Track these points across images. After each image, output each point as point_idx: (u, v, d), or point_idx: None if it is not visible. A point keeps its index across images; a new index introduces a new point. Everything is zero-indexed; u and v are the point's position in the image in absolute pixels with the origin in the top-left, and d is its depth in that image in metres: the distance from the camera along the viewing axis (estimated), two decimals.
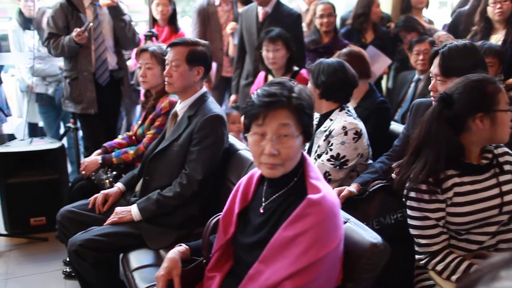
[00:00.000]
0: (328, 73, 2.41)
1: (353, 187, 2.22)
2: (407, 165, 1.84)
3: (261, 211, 1.57)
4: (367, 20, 4.22)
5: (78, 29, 3.35)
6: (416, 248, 1.85)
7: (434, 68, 2.15)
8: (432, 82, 2.17)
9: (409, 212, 1.83)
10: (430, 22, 4.66)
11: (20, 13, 4.50)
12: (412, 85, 3.78)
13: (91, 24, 3.43)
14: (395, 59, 4.40)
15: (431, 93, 2.18)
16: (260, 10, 3.75)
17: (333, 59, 2.49)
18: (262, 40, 3.34)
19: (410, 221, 1.84)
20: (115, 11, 3.55)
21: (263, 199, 1.59)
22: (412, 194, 1.79)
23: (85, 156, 3.76)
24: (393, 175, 2.11)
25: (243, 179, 1.70)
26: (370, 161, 2.49)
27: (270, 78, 3.43)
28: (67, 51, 3.47)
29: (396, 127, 2.91)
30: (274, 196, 1.56)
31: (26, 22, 4.47)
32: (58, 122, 4.55)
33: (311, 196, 1.44)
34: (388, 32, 4.31)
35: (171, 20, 4.16)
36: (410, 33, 4.10)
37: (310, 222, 1.41)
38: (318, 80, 2.43)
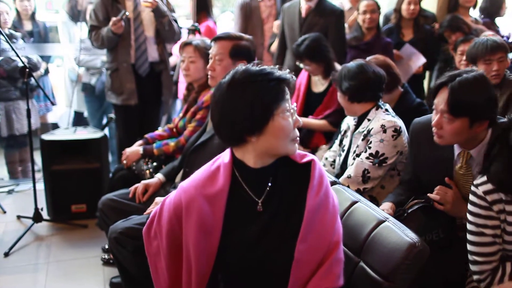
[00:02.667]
0: (350, 77, 2.43)
1: (388, 206, 2.14)
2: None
3: (260, 208, 1.50)
4: (401, 17, 4.17)
5: (114, 18, 3.41)
6: (474, 268, 1.77)
7: (441, 104, 1.91)
8: (437, 118, 1.94)
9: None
10: (477, 21, 4.55)
11: (71, 5, 4.62)
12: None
13: (127, 13, 3.48)
14: (438, 59, 4.32)
15: (434, 129, 1.97)
16: (303, 6, 3.73)
17: (352, 63, 2.49)
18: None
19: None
20: (156, 13, 3.60)
21: (255, 197, 1.50)
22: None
23: (119, 147, 3.85)
24: (437, 205, 2.05)
25: (173, 207, 1.51)
26: None
27: (313, 77, 3.41)
28: (107, 42, 3.55)
29: None
30: (269, 183, 1.50)
31: (75, 14, 4.59)
32: (100, 112, 4.66)
33: (308, 158, 1.53)
34: (431, 30, 4.23)
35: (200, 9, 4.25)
36: (455, 33, 4.01)
37: (325, 181, 1.53)
38: (343, 87, 2.46)
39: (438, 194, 2.05)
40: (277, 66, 1.49)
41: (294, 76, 1.50)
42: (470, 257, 1.77)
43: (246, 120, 1.40)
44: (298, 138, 1.48)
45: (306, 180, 1.49)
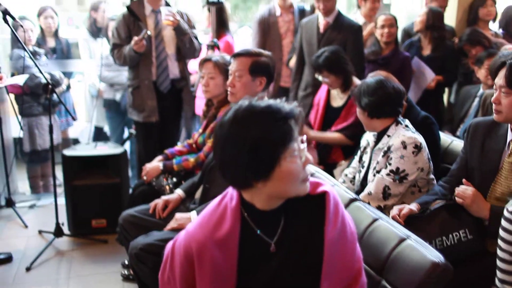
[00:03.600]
0: (369, 93, 2.43)
1: (413, 206, 2.19)
2: None
3: (273, 249, 1.42)
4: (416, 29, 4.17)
5: (136, 38, 3.47)
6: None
7: (500, 80, 2.06)
8: (496, 94, 2.08)
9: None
10: (497, 35, 4.52)
11: (91, 22, 4.71)
12: (476, 100, 3.67)
13: (148, 32, 3.52)
14: (458, 74, 4.30)
15: (494, 106, 2.10)
16: (321, 21, 3.75)
17: (371, 79, 2.49)
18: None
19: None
20: (177, 31, 3.64)
21: (267, 237, 1.42)
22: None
23: (138, 163, 3.88)
24: (457, 199, 2.07)
25: (184, 254, 1.40)
26: (432, 176, 2.45)
27: (332, 92, 3.42)
28: (128, 60, 3.60)
29: (458, 144, 2.82)
30: (282, 222, 1.42)
31: (97, 31, 4.68)
32: (122, 127, 4.71)
33: (322, 189, 1.44)
34: (451, 45, 4.20)
35: (222, 27, 4.27)
36: (474, 47, 3.99)
37: (341, 209, 1.45)
38: (362, 103, 2.46)
39: (458, 189, 2.12)
40: (284, 99, 1.37)
41: (302, 110, 1.36)
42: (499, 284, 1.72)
43: (250, 165, 1.27)
44: (309, 176, 1.37)
45: (320, 213, 1.41)
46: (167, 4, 3.74)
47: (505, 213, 1.69)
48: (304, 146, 1.33)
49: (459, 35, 4.34)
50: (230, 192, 1.43)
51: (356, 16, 4.50)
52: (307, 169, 1.35)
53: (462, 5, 4.62)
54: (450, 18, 4.61)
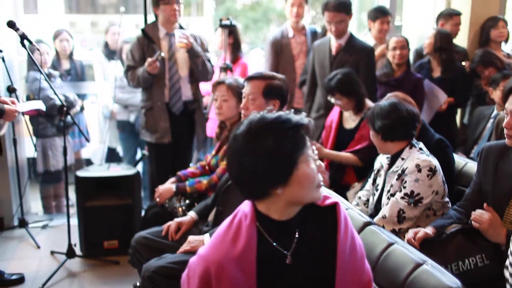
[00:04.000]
0: (383, 116, 2.42)
1: (429, 229, 2.17)
2: None
3: (289, 261, 1.44)
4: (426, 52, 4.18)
5: (150, 59, 3.51)
6: None
7: (510, 105, 2.05)
8: (507, 119, 2.07)
9: None
10: (509, 56, 4.52)
11: (106, 45, 4.78)
12: (491, 121, 3.65)
13: (162, 54, 3.57)
14: (471, 95, 4.29)
15: (505, 131, 2.09)
16: (334, 44, 3.76)
17: (385, 102, 2.49)
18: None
19: None
20: (190, 53, 3.68)
21: (283, 249, 1.44)
22: None
23: (150, 184, 3.89)
24: (474, 224, 2.06)
25: (202, 277, 1.39)
26: (446, 199, 2.43)
27: (345, 114, 3.42)
28: (142, 82, 3.64)
29: (472, 166, 2.80)
30: (296, 234, 1.45)
31: (111, 53, 4.74)
32: (135, 148, 4.74)
33: (331, 200, 1.48)
34: (461, 67, 4.20)
35: (236, 49, 4.34)
36: (487, 68, 3.98)
37: (349, 222, 1.49)
38: (375, 126, 2.45)
39: (475, 213, 2.09)
40: (292, 110, 1.43)
41: (312, 120, 1.41)
42: None
43: (269, 173, 1.32)
44: (322, 183, 1.42)
45: (332, 224, 1.45)
46: (181, 27, 3.79)
47: None
48: (316, 153, 1.40)
49: (471, 57, 4.35)
50: (242, 210, 1.45)
51: (367, 37, 4.53)
52: (320, 176, 1.40)
53: (473, 27, 4.64)
54: (462, 39, 4.62)
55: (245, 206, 1.46)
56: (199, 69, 3.71)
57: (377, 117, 2.43)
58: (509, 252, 1.69)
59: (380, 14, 4.33)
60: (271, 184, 1.34)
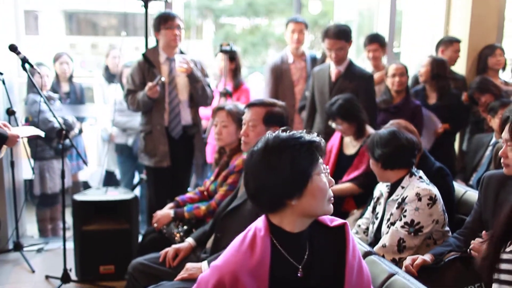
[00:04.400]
0: (382, 144, 2.43)
1: (427, 256, 2.16)
2: (495, 251, 1.71)
3: (300, 274, 1.51)
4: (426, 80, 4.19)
5: (150, 83, 3.52)
6: None
7: (505, 134, 2.06)
8: (503, 148, 2.09)
9: None
10: (507, 83, 4.55)
11: (106, 68, 4.81)
12: (489, 148, 3.65)
13: (162, 79, 3.59)
14: (469, 121, 4.31)
15: (502, 160, 2.11)
16: (333, 70, 3.79)
17: (384, 130, 2.51)
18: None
19: None
20: (190, 78, 3.70)
21: (295, 263, 1.51)
22: None
23: (148, 208, 3.86)
24: (473, 253, 2.04)
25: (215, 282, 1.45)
26: (447, 228, 2.42)
27: (345, 139, 3.43)
28: (142, 106, 3.65)
29: (472, 195, 2.79)
30: (308, 249, 1.52)
31: (111, 77, 4.76)
32: (132, 171, 4.72)
33: (339, 221, 1.57)
34: (457, 94, 4.22)
35: (236, 75, 4.36)
36: (484, 95, 3.98)
37: (356, 244, 1.58)
38: (375, 154, 2.46)
39: (474, 242, 2.07)
40: (305, 130, 1.53)
41: (323, 139, 1.52)
42: None
43: (285, 185, 1.42)
44: (332, 198, 1.50)
45: (341, 244, 1.54)
46: (181, 52, 3.81)
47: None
48: (327, 168, 1.50)
49: (469, 83, 4.39)
50: (255, 225, 1.53)
51: (365, 63, 4.57)
52: (331, 191, 1.50)
53: (471, 54, 4.69)
54: (461, 67, 4.67)
55: (259, 222, 1.53)
56: (198, 93, 3.73)
57: (377, 145, 2.44)
58: None
59: (371, 41, 4.39)
60: (286, 196, 1.44)
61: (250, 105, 2.56)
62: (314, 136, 1.50)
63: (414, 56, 5.10)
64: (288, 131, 1.50)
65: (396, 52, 5.34)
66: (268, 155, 1.45)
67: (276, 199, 1.46)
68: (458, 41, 4.49)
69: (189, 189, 3.90)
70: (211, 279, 1.45)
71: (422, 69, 4.16)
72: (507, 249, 1.64)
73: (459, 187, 2.95)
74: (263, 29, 13.51)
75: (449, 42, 4.49)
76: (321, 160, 1.48)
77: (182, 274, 2.38)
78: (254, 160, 1.47)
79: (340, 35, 3.64)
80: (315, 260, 1.51)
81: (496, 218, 1.88)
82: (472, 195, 2.78)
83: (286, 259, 1.49)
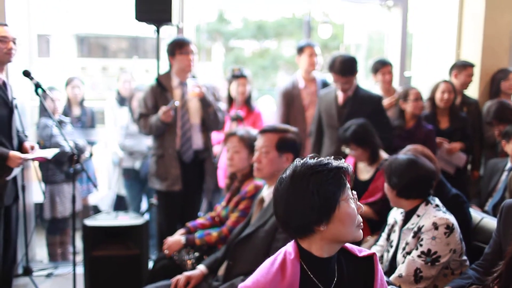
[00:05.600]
0: (400, 174, 2.38)
1: None
2: (506, 277, 1.68)
3: None
4: (434, 105, 4.16)
5: (164, 108, 3.52)
6: None
7: None
8: None
9: None
10: None
11: (118, 92, 4.84)
12: (505, 174, 3.61)
13: (176, 103, 3.60)
14: (484, 146, 4.27)
15: None
16: (340, 94, 3.79)
17: (403, 157, 2.44)
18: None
19: None
20: (202, 102, 3.71)
21: (323, 287, 1.51)
22: None
23: (159, 233, 3.83)
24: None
25: None
26: (464, 257, 2.36)
27: (359, 165, 3.40)
28: (155, 130, 3.65)
29: (489, 222, 2.74)
30: (336, 274, 1.52)
31: (122, 100, 4.79)
32: (140, 195, 4.71)
33: (367, 252, 1.57)
34: (466, 116, 4.19)
35: (248, 99, 4.37)
36: (502, 124, 3.92)
37: (384, 276, 1.60)
38: (391, 182, 2.41)
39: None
40: (313, 154, 1.54)
41: (350, 165, 1.51)
42: None
43: (314, 211, 1.42)
44: (362, 224, 1.49)
45: (369, 273, 1.55)
46: (193, 77, 3.82)
47: None
48: (355, 194, 1.50)
49: (481, 107, 4.36)
50: (285, 249, 1.53)
51: (374, 88, 4.56)
52: (360, 216, 1.49)
53: (484, 78, 4.68)
54: (473, 90, 4.65)
55: (289, 246, 1.54)
56: (210, 118, 3.73)
57: (394, 173, 2.39)
58: None
59: (380, 66, 4.40)
60: (315, 221, 1.44)
61: (263, 132, 2.54)
62: (341, 162, 1.50)
63: (426, 80, 5.07)
64: (316, 158, 1.51)
65: (407, 76, 5.32)
66: (296, 181, 1.45)
67: (304, 225, 1.46)
68: (471, 66, 4.46)
69: (199, 214, 3.86)
70: None
71: (445, 95, 4.09)
72: None
73: (475, 214, 2.90)
74: (272, 51, 13.60)
75: (463, 67, 4.45)
76: (348, 186, 1.48)
77: None
78: (283, 187, 1.48)
79: (345, 72, 3.68)
80: (343, 286, 1.51)
81: None
82: (489, 222, 2.72)
83: (315, 283, 1.49)
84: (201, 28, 12.23)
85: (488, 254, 2.24)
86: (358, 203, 1.50)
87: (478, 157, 4.47)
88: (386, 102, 4.23)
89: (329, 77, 4.47)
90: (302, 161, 1.51)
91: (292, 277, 1.47)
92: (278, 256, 1.53)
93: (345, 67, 3.68)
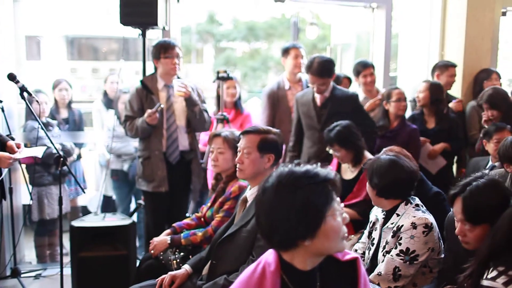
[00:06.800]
0: (380, 174, 2.42)
1: None
2: (477, 275, 1.73)
3: None
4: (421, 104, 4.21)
5: (150, 110, 3.55)
6: None
7: (458, 214, 2.00)
8: (459, 226, 2.02)
9: None
10: None
11: (105, 94, 4.86)
12: (486, 172, 3.65)
13: (162, 106, 3.63)
14: (468, 144, 4.33)
15: (460, 237, 2.03)
16: (318, 96, 3.85)
17: (385, 157, 2.48)
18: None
19: None
20: (188, 102, 3.74)
21: None
22: None
23: (146, 233, 3.86)
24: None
25: None
26: (442, 255, 2.41)
27: (343, 165, 3.45)
28: (141, 132, 3.68)
29: None
30: (318, 284, 1.50)
31: (109, 102, 4.80)
32: (129, 197, 4.73)
33: (351, 256, 1.55)
34: (454, 117, 4.23)
35: (237, 101, 4.42)
36: (492, 110, 3.86)
37: (367, 278, 1.58)
38: (372, 182, 2.45)
39: None
40: (291, 153, 1.52)
41: (338, 174, 1.48)
42: None
43: (299, 226, 1.37)
44: (346, 235, 1.46)
45: (352, 278, 1.53)
46: (178, 77, 3.85)
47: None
48: (342, 205, 1.45)
49: (465, 106, 4.42)
50: (265, 259, 1.49)
51: (358, 89, 4.61)
52: (345, 228, 1.44)
53: (466, 78, 4.76)
54: (456, 90, 4.70)
55: (269, 255, 1.50)
56: (196, 118, 3.76)
57: (375, 173, 2.43)
58: None
59: (361, 68, 4.46)
60: (299, 236, 1.39)
61: (245, 133, 2.57)
62: (329, 172, 1.44)
63: (410, 80, 5.13)
64: (301, 165, 1.45)
65: (392, 76, 5.38)
66: (281, 193, 1.40)
67: (288, 239, 1.41)
68: (453, 66, 4.52)
69: (187, 214, 3.90)
70: None
71: (421, 94, 4.16)
72: (489, 275, 1.65)
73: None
74: (263, 53, 13.61)
75: (444, 67, 4.51)
76: (335, 197, 1.43)
77: None
78: (266, 197, 1.42)
79: (322, 73, 3.74)
80: None
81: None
82: None
83: None
84: (191, 29, 12.24)
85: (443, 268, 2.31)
86: (344, 215, 1.44)
87: (463, 155, 4.53)
88: (368, 103, 4.29)
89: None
90: (287, 170, 1.44)
91: None
92: (258, 266, 1.49)
93: (322, 69, 3.73)
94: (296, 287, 1.46)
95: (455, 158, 4.46)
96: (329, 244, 1.41)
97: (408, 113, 4.35)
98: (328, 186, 1.42)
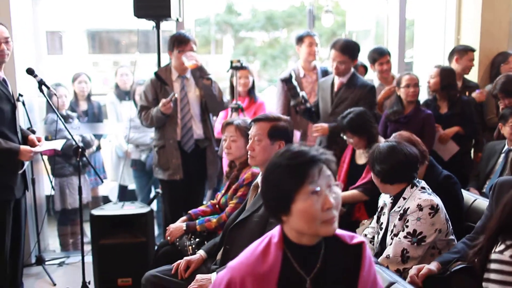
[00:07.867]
0: (381, 160, 2.44)
1: (433, 265, 2.18)
2: (487, 249, 1.77)
3: (308, 286, 1.51)
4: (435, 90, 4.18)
5: (164, 100, 3.63)
6: None
7: None
8: None
9: None
10: None
11: (116, 86, 4.94)
12: (502, 156, 3.63)
13: (176, 95, 3.70)
14: (485, 129, 4.30)
15: None
16: (336, 81, 3.87)
17: (384, 144, 2.50)
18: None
19: None
20: (200, 72, 3.78)
21: (303, 273, 1.51)
22: None
23: (164, 221, 3.95)
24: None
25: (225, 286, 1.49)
26: (451, 236, 2.43)
27: (357, 150, 3.48)
28: (156, 121, 3.76)
29: (482, 203, 2.80)
30: (319, 261, 1.52)
31: (122, 94, 4.89)
32: (149, 186, 4.83)
33: (358, 239, 1.56)
34: (467, 100, 4.19)
35: (250, 90, 4.44)
36: (508, 98, 3.82)
37: (374, 265, 1.60)
38: (374, 170, 2.48)
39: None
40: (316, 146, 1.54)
41: (332, 156, 1.49)
42: None
43: (274, 201, 1.48)
44: (334, 218, 1.43)
45: (356, 261, 1.54)
46: None
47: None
48: (335, 191, 1.46)
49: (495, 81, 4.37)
50: (273, 231, 1.55)
51: (373, 77, 4.60)
52: (331, 212, 1.43)
53: (483, 62, 4.69)
54: (473, 74, 4.65)
55: (275, 229, 1.55)
56: (211, 89, 3.79)
57: (376, 160, 2.46)
58: None
59: (377, 56, 4.42)
60: (279, 211, 1.47)
61: (256, 120, 2.62)
62: (319, 155, 1.45)
63: (427, 66, 5.09)
64: (298, 147, 1.48)
65: (408, 62, 5.35)
66: (267, 170, 1.51)
67: (272, 212, 1.52)
68: (472, 50, 4.45)
69: (203, 202, 3.97)
70: (225, 278, 1.50)
71: (432, 80, 4.14)
72: (497, 249, 1.68)
73: (469, 195, 2.96)
74: (282, 41, 13.58)
75: (464, 51, 4.43)
76: (316, 180, 1.42)
77: (192, 285, 2.44)
78: (263, 171, 1.54)
79: (345, 50, 3.74)
80: (327, 274, 1.51)
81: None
82: (482, 203, 2.79)
83: (295, 269, 1.50)
84: (210, 20, 12.27)
85: (479, 227, 2.31)
86: (327, 199, 1.42)
87: (481, 139, 4.49)
88: (383, 91, 4.28)
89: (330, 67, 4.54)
90: (282, 150, 1.51)
91: (273, 262, 1.47)
92: (264, 239, 1.54)
93: (346, 46, 3.76)
94: (297, 260, 1.51)
95: (473, 142, 4.42)
96: (303, 225, 1.43)
97: (424, 98, 4.33)
98: (310, 168, 1.42)
